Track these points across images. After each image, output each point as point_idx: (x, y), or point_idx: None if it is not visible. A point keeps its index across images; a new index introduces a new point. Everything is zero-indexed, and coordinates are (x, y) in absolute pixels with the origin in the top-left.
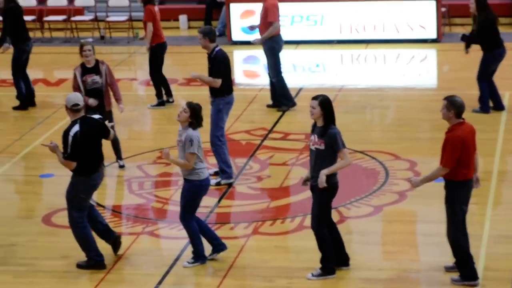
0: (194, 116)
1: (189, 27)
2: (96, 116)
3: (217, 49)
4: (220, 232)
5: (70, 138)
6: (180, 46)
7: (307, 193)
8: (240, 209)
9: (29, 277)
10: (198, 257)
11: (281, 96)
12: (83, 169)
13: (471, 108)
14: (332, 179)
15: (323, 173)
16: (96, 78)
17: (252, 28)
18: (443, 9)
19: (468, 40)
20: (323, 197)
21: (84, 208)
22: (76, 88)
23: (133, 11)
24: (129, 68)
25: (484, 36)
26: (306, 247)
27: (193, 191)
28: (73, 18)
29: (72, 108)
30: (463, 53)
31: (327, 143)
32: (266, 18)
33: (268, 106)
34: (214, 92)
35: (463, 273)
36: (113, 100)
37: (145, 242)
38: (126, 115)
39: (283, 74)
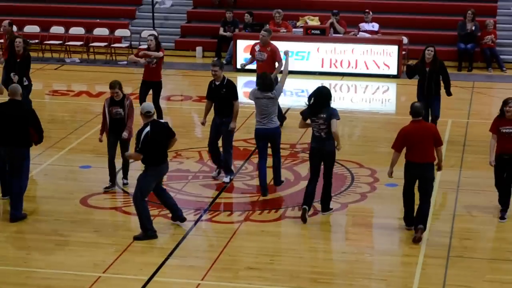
0: None
1: (203, 56)
2: (162, 121)
3: (226, 78)
4: (219, 217)
5: (142, 137)
6: (196, 71)
7: (289, 191)
8: (236, 200)
9: (68, 246)
10: None
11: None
12: (153, 160)
13: None
14: None
15: None
16: (120, 110)
17: (244, 65)
18: (403, 52)
19: (410, 68)
20: None
21: (148, 190)
22: (103, 115)
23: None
24: None
25: (444, 79)
26: (286, 233)
27: None
28: (113, 45)
29: (146, 114)
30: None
31: None
32: (274, 58)
33: None
34: (227, 112)
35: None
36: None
37: (160, 222)
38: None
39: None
